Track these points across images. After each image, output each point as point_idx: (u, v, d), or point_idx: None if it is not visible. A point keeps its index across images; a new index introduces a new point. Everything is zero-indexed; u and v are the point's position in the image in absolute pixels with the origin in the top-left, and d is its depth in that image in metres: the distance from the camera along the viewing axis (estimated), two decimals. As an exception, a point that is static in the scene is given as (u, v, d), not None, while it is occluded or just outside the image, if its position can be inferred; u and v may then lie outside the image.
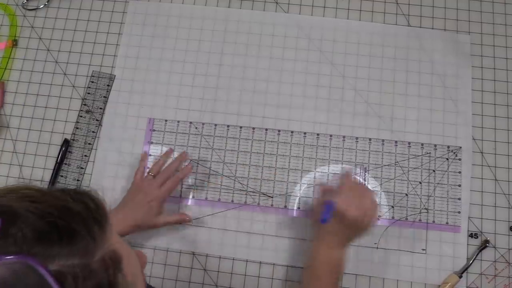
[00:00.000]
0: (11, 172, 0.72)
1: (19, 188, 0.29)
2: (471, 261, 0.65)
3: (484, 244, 0.65)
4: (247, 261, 0.67)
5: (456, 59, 0.73)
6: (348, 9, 0.76)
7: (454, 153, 0.68)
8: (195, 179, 0.70)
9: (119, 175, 0.70)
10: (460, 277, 0.64)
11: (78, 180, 0.71)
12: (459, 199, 0.67)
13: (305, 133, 0.70)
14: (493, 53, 0.73)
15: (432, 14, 0.75)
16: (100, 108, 0.73)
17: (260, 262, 0.67)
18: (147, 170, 0.66)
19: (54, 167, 0.71)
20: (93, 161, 0.71)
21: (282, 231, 0.67)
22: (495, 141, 0.70)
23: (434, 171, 0.68)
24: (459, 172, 0.68)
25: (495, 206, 0.67)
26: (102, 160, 0.71)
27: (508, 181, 0.68)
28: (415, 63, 0.73)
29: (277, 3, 0.76)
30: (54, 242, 0.26)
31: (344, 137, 0.70)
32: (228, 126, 0.71)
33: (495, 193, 0.68)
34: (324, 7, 0.76)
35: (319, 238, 0.57)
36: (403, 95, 0.72)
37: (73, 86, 0.75)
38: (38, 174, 0.71)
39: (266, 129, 0.71)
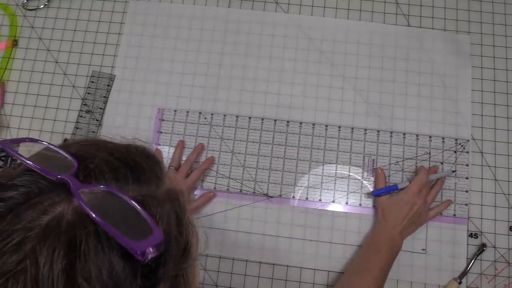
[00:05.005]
0: (11, 172, 0.72)
1: (82, 140, 0.33)
2: (470, 266, 0.65)
3: (481, 248, 0.65)
4: (247, 261, 0.67)
5: (456, 59, 0.73)
6: (348, 9, 0.76)
7: (462, 145, 0.69)
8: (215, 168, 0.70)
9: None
10: (460, 283, 0.64)
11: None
12: (467, 191, 0.68)
13: (313, 124, 0.71)
14: (493, 53, 0.73)
15: (432, 14, 0.75)
16: (100, 108, 0.73)
17: (260, 262, 0.67)
18: (166, 165, 0.68)
19: (54, 167, 0.71)
20: (93, 161, 0.71)
21: (282, 231, 0.67)
22: (495, 141, 0.70)
23: (442, 163, 0.69)
24: (467, 165, 0.69)
25: (495, 206, 0.67)
26: (102, 160, 0.71)
27: (508, 181, 0.68)
28: (415, 63, 0.73)
29: (277, 3, 0.76)
30: (126, 175, 0.29)
31: (352, 128, 0.71)
32: (237, 116, 0.71)
33: (495, 193, 0.68)
34: (324, 7, 0.76)
35: (385, 218, 0.63)
36: (403, 95, 0.72)
37: (73, 86, 0.75)
38: (38, 174, 0.71)
39: (275, 120, 0.71)
